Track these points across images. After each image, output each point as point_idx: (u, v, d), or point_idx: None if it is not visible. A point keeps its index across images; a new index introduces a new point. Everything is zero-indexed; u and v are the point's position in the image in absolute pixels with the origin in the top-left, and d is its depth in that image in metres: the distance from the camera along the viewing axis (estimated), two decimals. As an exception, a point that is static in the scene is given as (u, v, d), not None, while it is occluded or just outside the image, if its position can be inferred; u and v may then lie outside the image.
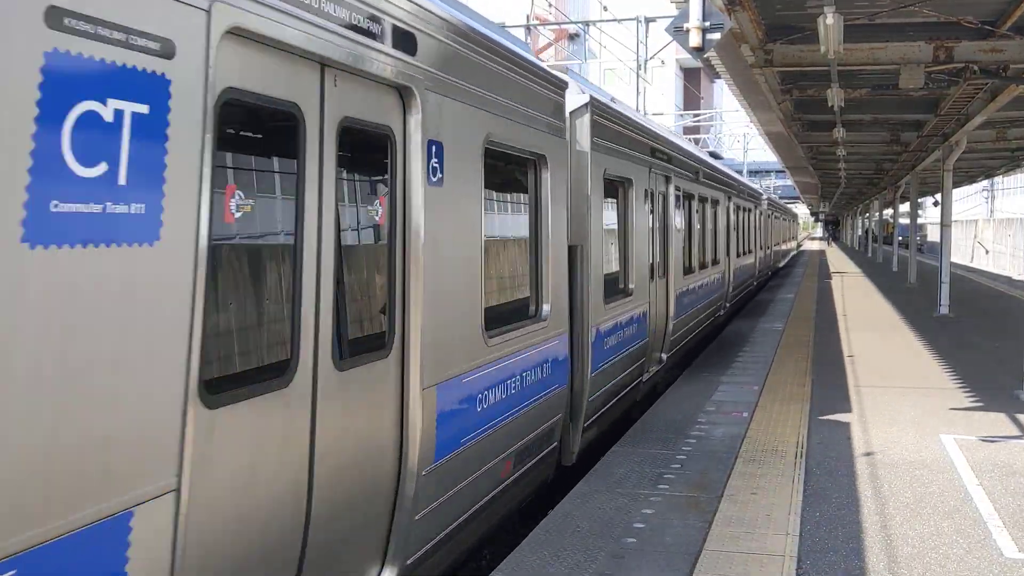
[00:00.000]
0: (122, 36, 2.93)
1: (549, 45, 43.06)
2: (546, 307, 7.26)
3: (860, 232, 75.07)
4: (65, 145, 2.73)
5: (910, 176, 31.08)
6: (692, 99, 73.18)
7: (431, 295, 5.03)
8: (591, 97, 8.65)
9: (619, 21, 30.18)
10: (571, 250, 8.22)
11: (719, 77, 16.71)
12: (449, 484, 5.35)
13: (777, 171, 69.60)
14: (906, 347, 15.75)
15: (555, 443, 7.71)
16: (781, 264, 47.70)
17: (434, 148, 5.15)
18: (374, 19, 4.49)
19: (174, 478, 3.19)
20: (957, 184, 41.62)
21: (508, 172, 6.80)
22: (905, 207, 48.42)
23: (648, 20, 28.99)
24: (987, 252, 54.64)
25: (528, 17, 30.75)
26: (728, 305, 20.46)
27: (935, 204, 44.52)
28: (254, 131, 3.94)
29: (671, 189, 12.87)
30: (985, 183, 56.16)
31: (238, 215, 3.74)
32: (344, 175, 4.41)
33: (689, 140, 31.31)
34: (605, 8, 29.96)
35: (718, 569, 5.73)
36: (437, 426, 5.09)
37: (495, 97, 6.11)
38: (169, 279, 3.15)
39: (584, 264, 8.52)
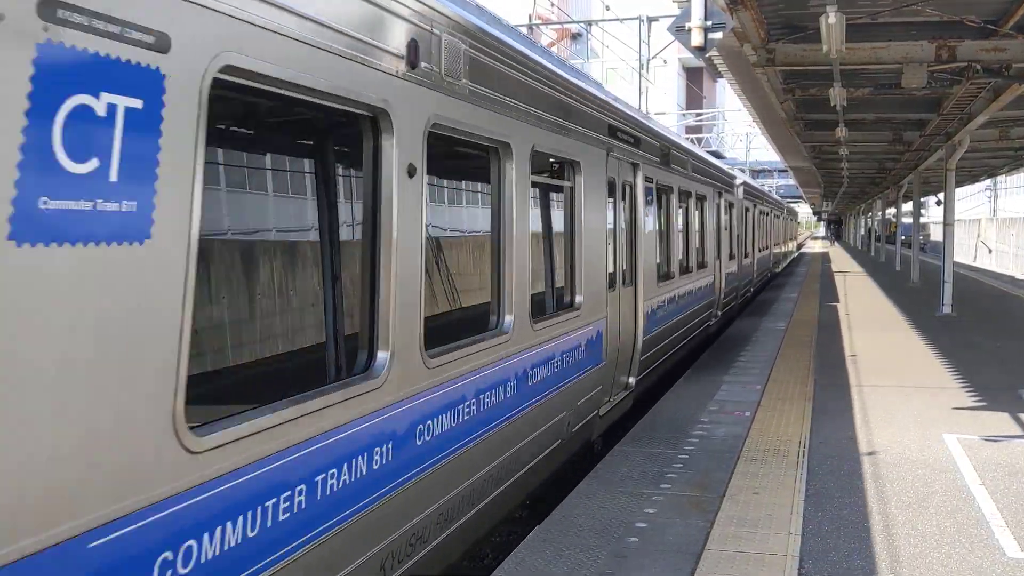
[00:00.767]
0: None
1: (551, 44, 43.06)
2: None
3: (863, 231, 75.04)
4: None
5: (913, 175, 31.07)
6: (694, 98, 73.14)
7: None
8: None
9: (621, 20, 30.18)
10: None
11: (721, 76, 16.71)
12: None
13: (780, 170, 69.56)
14: (908, 346, 15.74)
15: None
16: (778, 268, 41.05)
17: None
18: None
19: None
20: (960, 183, 41.56)
21: None
22: (908, 206, 48.41)
23: (650, 19, 28.98)
24: (990, 251, 54.59)
25: (530, 17, 30.75)
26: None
27: (938, 203, 44.45)
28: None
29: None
30: (988, 182, 56.13)
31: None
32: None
33: (691, 140, 31.28)
34: (607, 7, 29.95)
35: (720, 569, 5.73)
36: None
37: None
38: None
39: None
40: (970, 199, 62.36)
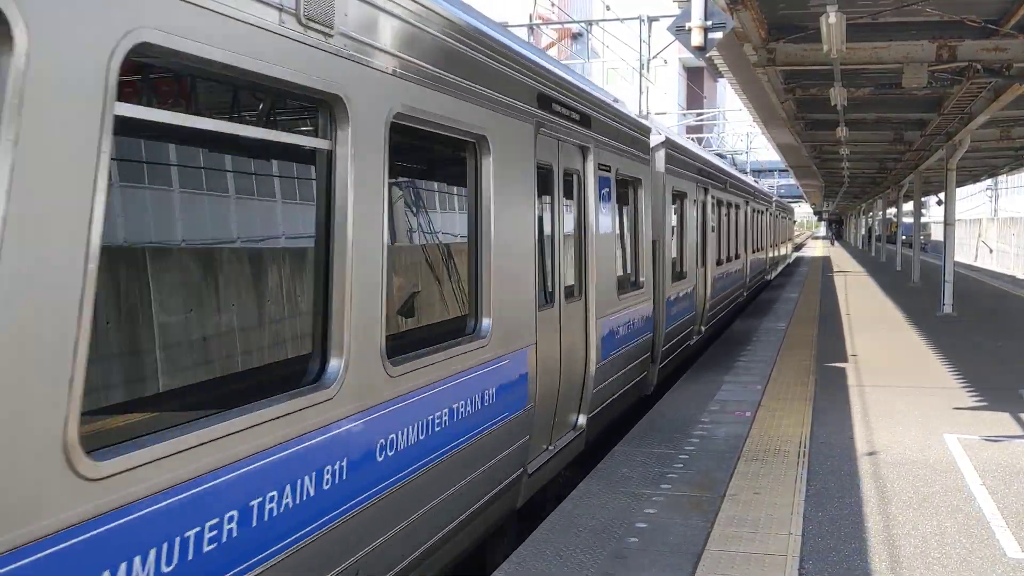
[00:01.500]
0: None
1: (552, 44, 43.04)
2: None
3: (863, 231, 75.00)
4: None
5: (913, 175, 31.07)
6: (695, 98, 73.13)
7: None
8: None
9: (622, 20, 30.16)
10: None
11: (722, 76, 16.69)
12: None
13: (780, 170, 69.50)
14: (909, 346, 15.73)
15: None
16: (770, 276, 35.51)
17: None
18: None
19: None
20: (961, 183, 41.56)
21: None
22: (909, 206, 48.38)
23: (651, 19, 28.97)
24: (991, 251, 54.57)
25: (531, 17, 30.73)
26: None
27: (939, 203, 44.45)
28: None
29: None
30: (989, 182, 56.11)
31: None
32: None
33: (692, 139, 31.26)
34: (608, 7, 29.95)
35: (721, 569, 5.73)
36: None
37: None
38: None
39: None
40: (971, 199, 62.35)
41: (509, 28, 12.17)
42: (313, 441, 4.03)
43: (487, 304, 6.04)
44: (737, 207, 22.16)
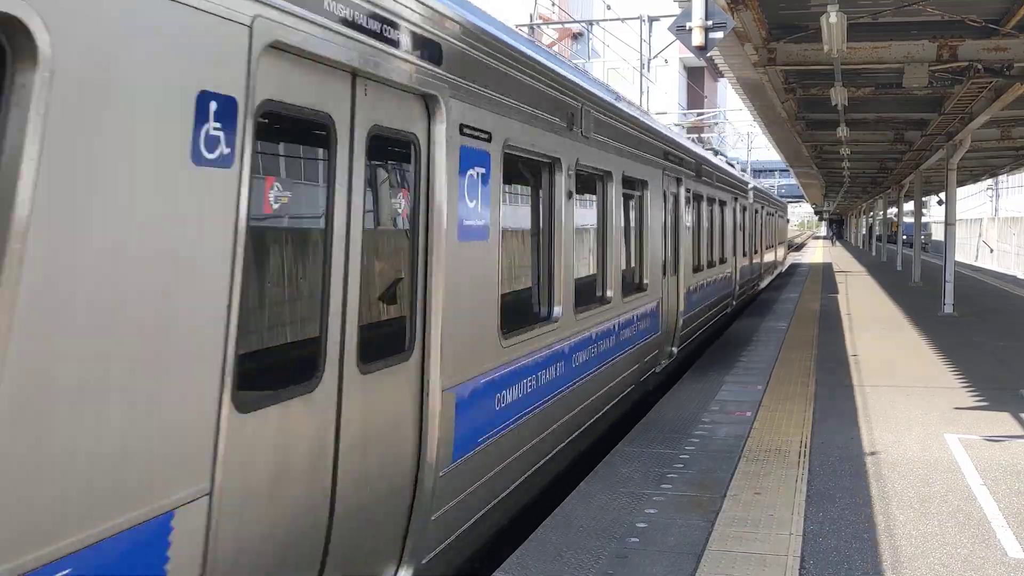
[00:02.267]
0: None
1: (552, 44, 43.05)
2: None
3: (864, 231, 74.99)
4: None
5: (914, 175, 31.05)
6: (696, 98, 73.12)
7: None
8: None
9: (623, 20, 30.17)
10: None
11: (723, 76, 16.69)
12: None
13: (781, 170, 69.50)
14: (910, 346, 15.72)
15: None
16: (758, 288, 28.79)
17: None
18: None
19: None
20: (961, 183, 41.57)
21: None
22: (909, 206, 48.36)
23: (652, 19, 28.98)
24: (992, 251, 54.56)
25: (532, 16, 30.74)
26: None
27: (939, 203, 44.46)
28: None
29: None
30: (989, 182, 56.10)
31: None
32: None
33: (693, 139, 31.23)
34: (608, 7, 29.95)
35: (721, 569, 5.73)
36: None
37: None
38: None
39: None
40: (972, 199, 62.34)
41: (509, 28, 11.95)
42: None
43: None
44: (722, 203, 18.97)
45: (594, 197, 9.14)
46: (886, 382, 12.26)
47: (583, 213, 8.61)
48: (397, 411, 4.89)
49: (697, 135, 51.95)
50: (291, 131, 4.14)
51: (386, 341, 4.86)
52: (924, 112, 19.25)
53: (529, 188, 7.34)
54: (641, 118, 10.96)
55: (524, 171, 7.13)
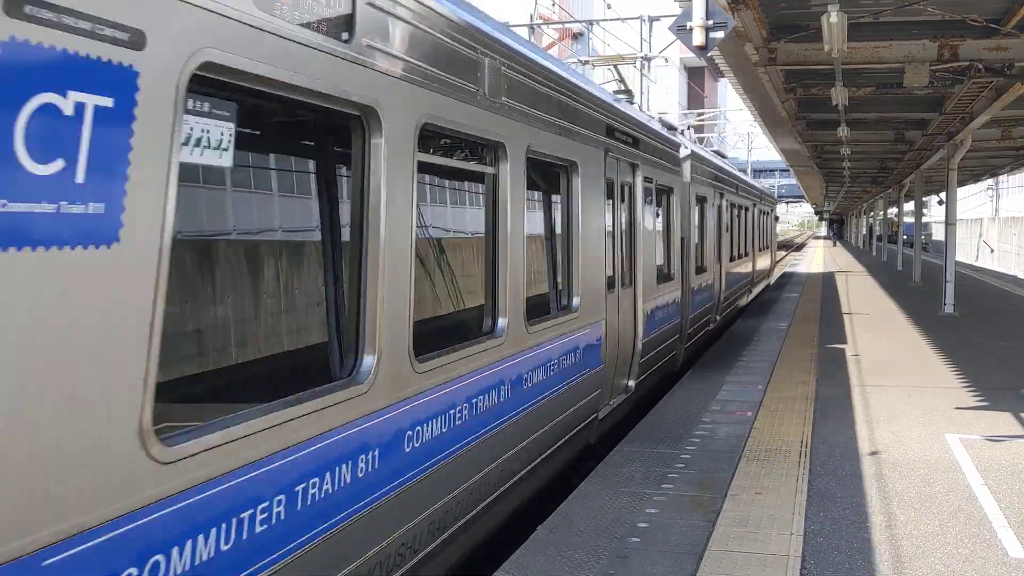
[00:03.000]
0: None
1: (553, 44, 43.06)
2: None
3: (864, 231, 74.98)
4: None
5: (915, 175, 31.05)
6: (696, 98, 73.14)
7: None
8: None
9: (623, 20, 30.18)
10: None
11: (723, 76, 16.69)
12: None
13: (782, 170, 69.53)
14: (911, 346, 15.72)
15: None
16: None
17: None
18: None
19: None
20: (962, 183, 41.55)
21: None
22: (910, 206, 48.36)
23: (652, 19, 28.98)
24: (992, 251, 54.56)
25: (532, 16, 30.75)
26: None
27: (940, 203, 44.45)
28: None
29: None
30: (990, 181, 56.11)
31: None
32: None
33: (693, 140, 31.20)
34: (609, 6, 29.94)
35: (722, 569, 5.72)
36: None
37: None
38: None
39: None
40: (972, 198, 62.35)
41: (510, 28, 11.27)
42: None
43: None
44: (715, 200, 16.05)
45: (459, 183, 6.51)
46: (887, 382, 12.25)
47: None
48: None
49: (698, 135, 51.96)
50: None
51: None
52: (925, 112, 19.24)
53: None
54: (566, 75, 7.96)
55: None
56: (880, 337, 16.89)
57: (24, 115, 2.61)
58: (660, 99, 51.10)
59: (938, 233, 62.88)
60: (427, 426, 5.12)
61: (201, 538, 3.31)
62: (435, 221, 5.95)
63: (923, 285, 29.09)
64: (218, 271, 4.05)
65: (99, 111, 2.85)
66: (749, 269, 24.48)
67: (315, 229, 4.54)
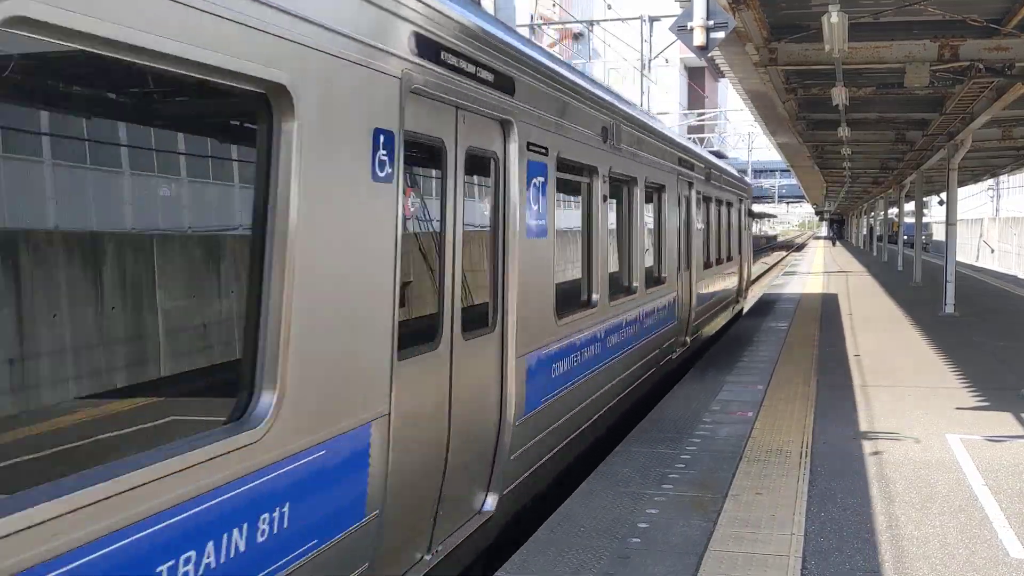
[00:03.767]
0: None
1: (553, 45, 43.05)
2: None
3: (865, 231, 74.97)
4: None
5: (915, 175, 31.05)
6: (696, 98, 73.16)
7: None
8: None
9: (623, 20, 30.19)
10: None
11: (723, 76, 16.69)
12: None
13: (782, 170, 69.53)
14: (911, 346, 15.72)
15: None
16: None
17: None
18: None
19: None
20: (962, 183, 41.55)
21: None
22: (910, 206, 48.37)
23: (652, 19, 28.99)
24: (992, 251, 54.55)
25: (532, 17, 30.76)
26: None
27: (940, 203, 44.43)
28: None
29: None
30: (990, 182, 56.09)
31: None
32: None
33: (693, 139, 31.20)
34: (609, 7, 29.95)
35: (723, 569, 5.72)
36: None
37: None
38: None
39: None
40: (972, 199, 62.33)
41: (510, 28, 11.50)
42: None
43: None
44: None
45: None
46: (887, 382, 12.25)
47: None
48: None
49: (698, 135, 51.96)
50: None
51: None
52: (925, 112, 19.24)
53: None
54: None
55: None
56: (881, 337, 16.89)
57: None
58: (660, 99, 51.08)
59: (938, 233, 62.89)
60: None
61: None
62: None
63: (923, 285, 29.09)
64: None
65: None
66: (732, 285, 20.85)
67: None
